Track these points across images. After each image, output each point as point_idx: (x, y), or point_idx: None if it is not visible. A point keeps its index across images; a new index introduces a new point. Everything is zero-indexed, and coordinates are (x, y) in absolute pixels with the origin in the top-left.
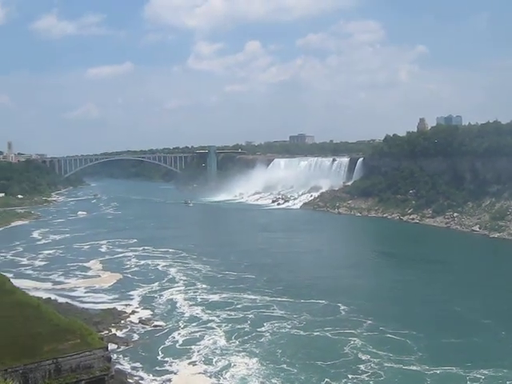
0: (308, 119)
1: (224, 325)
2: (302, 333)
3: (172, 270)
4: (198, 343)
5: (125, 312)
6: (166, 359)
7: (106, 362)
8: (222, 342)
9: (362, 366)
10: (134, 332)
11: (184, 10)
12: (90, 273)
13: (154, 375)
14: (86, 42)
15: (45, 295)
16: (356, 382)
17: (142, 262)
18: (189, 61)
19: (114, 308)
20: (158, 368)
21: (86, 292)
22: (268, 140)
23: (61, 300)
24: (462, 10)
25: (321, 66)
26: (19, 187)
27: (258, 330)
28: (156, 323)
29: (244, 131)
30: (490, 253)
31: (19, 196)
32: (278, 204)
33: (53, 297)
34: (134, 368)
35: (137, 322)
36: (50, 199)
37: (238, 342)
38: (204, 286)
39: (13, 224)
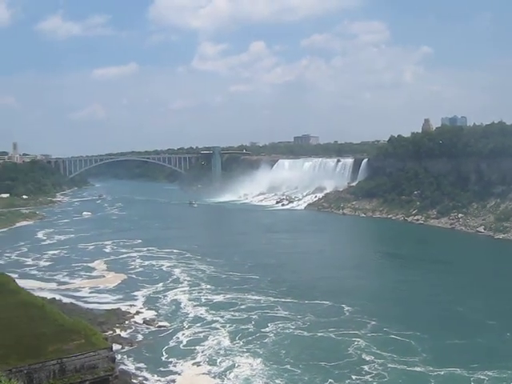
0: (312, 120)
1: (228, 325)
2: (305, 333)
3: (176, 271)
4: (202, 344)
5: (129, 312)
6: (170, 360)
7: (110, 362)
8: (226, 342)
9: (365, 367)
10: (139, 332)
11: (188, 11)
12: (94, 273)
13: (158, 376)
14: (91, 42)
15: (49, 295)
16: (360, 383)
17: (147, 262)
18: (193, 61)
19: (119, 308)
20: (162, 368)
21: (90, 292)
22: (272, 141)
23: (65, 300)
24: (467, 11)
25: (326, 66)
26: (24, 188)
27: (262, 330)
28: (160, 324)
29: (248, 132)
30: (495, 254)
31: (24, 196)
32: (283, 205)
33: (57, 297)
34: (138, 368)
35: (141, 322)
36: (54, 200)
37: (242, 343)
38: (208, 286)
39: (18, 224)
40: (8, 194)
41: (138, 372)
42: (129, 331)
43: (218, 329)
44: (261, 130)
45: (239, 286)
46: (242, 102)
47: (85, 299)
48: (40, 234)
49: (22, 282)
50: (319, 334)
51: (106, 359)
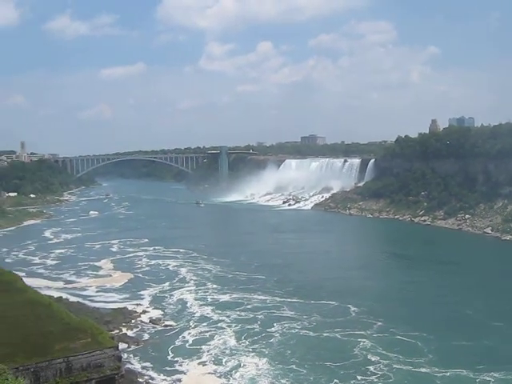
0: (319, 120)
1: (234, 325)
2: (311, 334)
3: (183, 270)
4: (208, 343)
5: (135, 311)
6: (176, 359)
7: (116, 361)
8: (232, 342)
9: (371, 368)
10: (145, 331)
11: (196, 11)
12: (101, 272)
13: (164, 375)
14: (99, 42)
15: (56, 294)
16: (365, 383)
17: (153, 261)
18: (200, 61)
19: (125, 307)
20: (168, 368)
21: (97, 291)
22: (279, 141)
23: (72, 299)
24: (474, 10)
25: (333, 66)
26: (32, 187)
27: (268, 330)
28: (166, 323)
29: (255, 132)
30: (502, 255)
31: (31, 195)
32: (289, 205)
33: (64, 296)
34: (144, 367)
35: (147, 321)
36: (62, 199)
37: (247, 343)
38: (214, 286)
39: (25, 223)
40: (16, 193)
41: (144, 371)
42: (135, 330)
43: (223, 328)
44: (268, 130)
45: (245, 286)
46: (249, 102)
47: (91, 298)
48: (47, 233)
49: (29, 281)
50: (325, 335)
51: (112, 358)
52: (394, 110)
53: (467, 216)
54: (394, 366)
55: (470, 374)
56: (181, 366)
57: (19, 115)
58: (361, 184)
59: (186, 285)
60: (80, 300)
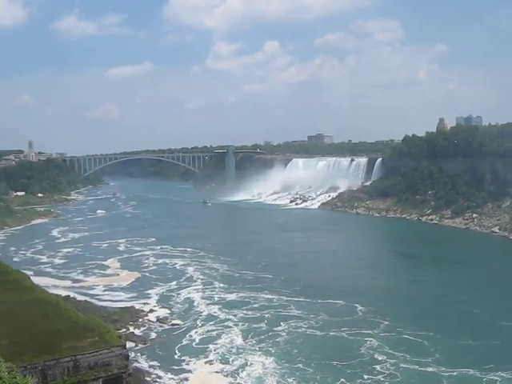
0: (326, 119)
1: (241, 324)
2: (318, 333)
3: (190, 269)
4: (214, 342)
5: (143, 310)
6: (183, 358)
7: (123, 359)
8: (239, 341)
9: (378, 367)
10: (152, 330)
11: (202, 11)
12: (108, 271)
13: (171, 373)
14: (106, 41)
15: (64, 293)
16: (372, 382)
17: (160, 260)
18: (207, 61)
19: (132, 306)
20: (175, 366)
21: (104, 290)
22: (286, 140)
23: (79, 298)
24: (481, 8)
25: (339, 65)
26: (39, 186)
27: (275, 329)
28: (173, 322)
29: (262, 131)
30: (510, 254)
31: (39, 194)
32: (296, 204)
33: (72, 294)
34: (151, 366)
35: (154, 320)
36: (69, 198)
37: (254, 341)
38: (221, 285)
39: (33, 222)
40: (23, 192)
41: (151, 370)
42: (142, 329)
43: (230, 327)
44: (275, 129)
45: (252, 285)
46: (256, 102)
47: (99, 297)
48: (55, 232)
49: (36, 280)
50: (332, 334)
51: (120, 357)
52: (401, 108)
53: (475, 215)
54: (401, 365)
55: (476, 374)
56: (188, 364)
57: (27, 114)
58: (368, 183)
59: (193, 284)
60: (87, 299)
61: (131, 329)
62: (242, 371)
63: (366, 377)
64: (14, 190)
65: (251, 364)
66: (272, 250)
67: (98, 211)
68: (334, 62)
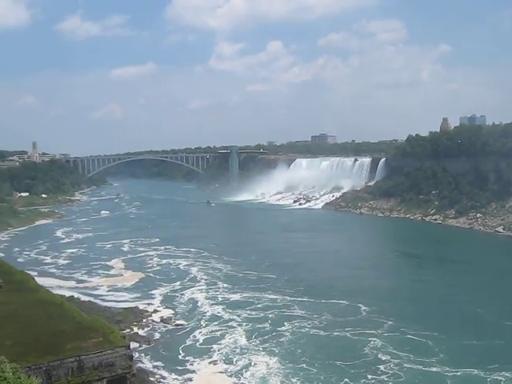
0: (330, 119)
1: (245, 324)
2: (322, 333)
3: (193, 270)
4: (218, 342)
5: (146, 311)
6: (187, 358)
7: (127, 360)
8: (243, 341)
9: (381, 367)
10: (156, 331)
11: (205, 11)
12: (112, 271)
13: (175, 374)
14: (110, 42)
15: (68, 293)
16: (375, 382)
17: (164, 261)
18: (211, 61)
19: (136, 307)
20: (179, 367)
21: (108, 290)
22: (290, 140)
23: (83, 298)
24: (485, 8)
25: (343, 65)
26: (43, 187)
27: (279, 329)
28: (177, 322)
29: (266, 131)
30: None
31: (43, 195)
32: (300, 204)
33: (76, 295)
34: (155, 366)
35: (158, 320)
36: (73, 198)
37: (258, 342)
38: (225, 285)
39: (37, 223)
40: (27, 193)
41: (155, 370)
42: (146, 329)
43: (234, 327)
44: (278, 129)
45: (256, 285)
46: (259, 102)
47: (103, 297)
48: (59, 233)
49: (41, 280)
50: (335, 334)
51: (124, 357)
52: (404, 108)
53: (478, 215)
54: (405, 365)
55: (480, 374)
56: (192, 365)
57: (30, 116)
58: (371, 183)
59: (197, 284)
60: (91, 299)
61: (135, 329)
62: (245, 371)
63: (369, 377)
64: (18, 190)
65: (255, 364)
66: (276, 250)
67: (102, 212)
68: (337, 62)
